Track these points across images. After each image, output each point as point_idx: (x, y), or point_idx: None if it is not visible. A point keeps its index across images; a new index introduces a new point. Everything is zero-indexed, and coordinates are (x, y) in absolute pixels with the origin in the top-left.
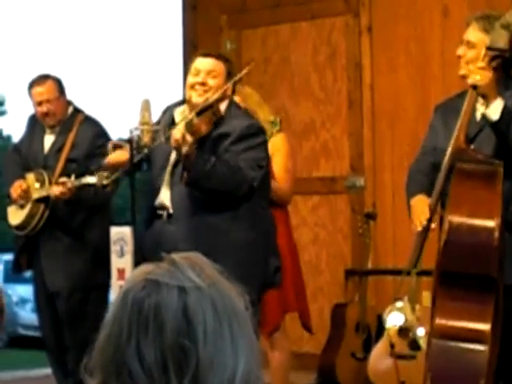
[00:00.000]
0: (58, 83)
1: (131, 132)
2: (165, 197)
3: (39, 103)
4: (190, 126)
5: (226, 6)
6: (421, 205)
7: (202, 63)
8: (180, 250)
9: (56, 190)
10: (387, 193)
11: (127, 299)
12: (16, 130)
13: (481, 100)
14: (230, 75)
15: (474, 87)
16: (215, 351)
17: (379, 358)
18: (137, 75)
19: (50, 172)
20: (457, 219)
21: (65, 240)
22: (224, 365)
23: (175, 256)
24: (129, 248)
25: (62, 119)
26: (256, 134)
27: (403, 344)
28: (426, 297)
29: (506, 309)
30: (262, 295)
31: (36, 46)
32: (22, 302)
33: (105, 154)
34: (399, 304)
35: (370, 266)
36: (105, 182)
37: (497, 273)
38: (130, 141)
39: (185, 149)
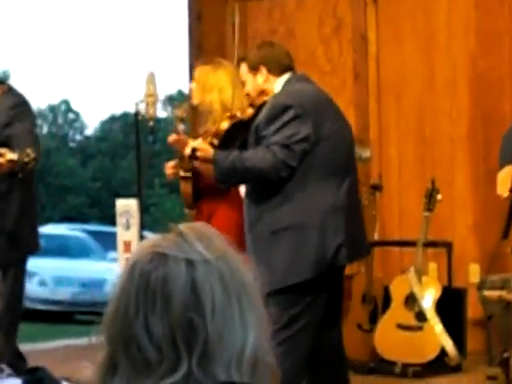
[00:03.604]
0: None
1: (137, 104)
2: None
3: None
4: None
5: None
6: (504, 175)
7: (241, 72)
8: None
9: None
10: (393, 164)
11: (134, 272)
12: None
13: None
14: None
15: None
16: (224, 325)
17: (386, 329)
18: (141, 48)
19: None
20: None
21: None
22: (233, 339)
23: (182, 227)
24: (135, 221)
25: None
26: (281, 112)
27: (409, 315)
28: (433, 268)
29: None
30: (324, 275)
31: (42, 20)
32: (29, 275)
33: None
34: (406, 275)
35: (376, 237)
36: (26, 159)
37: None
38: (136, 113)
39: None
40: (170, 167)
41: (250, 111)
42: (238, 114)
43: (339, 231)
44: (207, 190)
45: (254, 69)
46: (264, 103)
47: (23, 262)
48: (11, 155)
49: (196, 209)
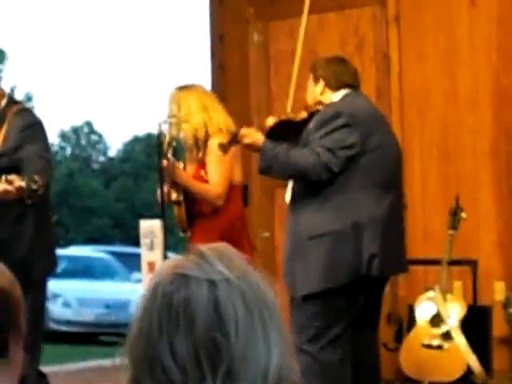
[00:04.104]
0: None
1: (160, 125)
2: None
3: None
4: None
5: None
6: None
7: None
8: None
9: (1, 187)
10: (417, 182)
11: (157, 293)
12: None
13: None
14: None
15: None
16: (247, 344)
17: (411, 348)
18: (164, 68)
19: None
20: None
21: None
22: (257, 357)
23: (203, 248)
24: (158, 241)
25: None
26: (332, 118)
27: (435, 334)
28: (458, 286)
29: None
30: (358, 285)
31: (66, 43)
32: (54, 296)
33: (32, 144)
34: (431, 294)
35: None
36: (34, 187)
37: None
38: (158, 134)
39: (247, 140)
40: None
41: (303, 114)
42: (290, 115)
43: (374, 242)
44: (200, 214)
45: (315, 79)
46: (317, 111)
47: (42, 284)
48: (20, 183)
49: (191, 232)
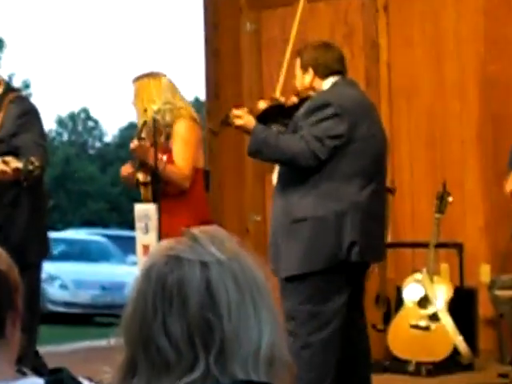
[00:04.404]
0: None
1: (155, 112)
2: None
3: None
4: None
5: None
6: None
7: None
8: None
9: None
10: (405, 168)
11: (151, 275)
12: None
13: None
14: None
15: None
16: (239, 324)
17: (399, 329)
18: (159, 56)
19: None
20: None
21: None
22: (249, 336)
23: (195, 230)
24: (153, 224)
25: None
26: (322, 107)
27: (422, 315)
28: (444, 269)
29: None
30: (339, 270)
31: (63, 31)
32: (51, 278)
33: (28, 131)
34: (418, 276)
35: (389, 239)
36: (30, 167)
37: None
38: (154, 120)
39: (238, 122)
40: (125, 169)
41: (294, 99)
42: (281, 99)
43: (355, 230)
44: (165, 194)
45: (303, 67)
46: (308, 97)
47: (36, 267)
48: (16, 164)
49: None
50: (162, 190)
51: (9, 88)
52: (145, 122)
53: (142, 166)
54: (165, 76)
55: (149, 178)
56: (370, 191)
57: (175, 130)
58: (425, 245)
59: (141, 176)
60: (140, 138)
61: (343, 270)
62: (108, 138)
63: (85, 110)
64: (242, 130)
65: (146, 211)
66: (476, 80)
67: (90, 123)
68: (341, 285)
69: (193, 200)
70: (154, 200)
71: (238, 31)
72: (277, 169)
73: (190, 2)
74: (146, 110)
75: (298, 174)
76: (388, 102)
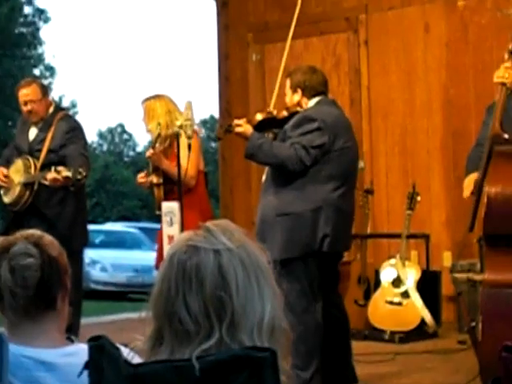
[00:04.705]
0: (42, 86)
1: (178, 127)
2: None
3: (24, 103)
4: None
5: (251, 26)
6: (468, 181)
7: (286, 85)
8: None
9: (50, 176)
10: (382, 173)
11: (173, 261)
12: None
13: None
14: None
15: (503, 84)
16: (246, 300)
17: (377, 304)
18: (180, 82)
19: (35, 159)
20: (494, 191)
21: (45, 216)
22: (254, 310)
23: (209, 224)
24: (176, 219)
25: (43, 117)
26: (308, 122)
27: (396, 293)
28: (414, 255)
29: None
30: (314, 257)
31: (102, 60)
32: (93, 263)
33: (74, 144)
34: (393, 261)
35: (369, 231)
36: (78, 176)
37: None
38: (177, 133)
39: (239, 129)
40: (141, 177)
41: (284, 113)
42: (274, 112)
43: (327, 224)
44: (174, 192)
45: (292, 88)
46: (296, 112)
47: (79, 253)
48: (67, 173)
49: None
50: (172, 189)
51: (58, 108)
52: (159, 135)
53: (156, 170)
54: (167, 97)
55: (161, 180)
56: (342, 192)
57: (182, 142)
58: (398, 235)
59: (155, 178)
60: (154, 147)
61: (317, 258)
62: (140, 148)
63: (121, 125)
64: (241, 136)
65: (170, 208)
66: (440, 101)
67: (125, 136)
68: (314, 270)
69: (197, 197)
70: (166, 198)
71: (246, 61)
72: (265, 170)
73: (207, 38)
74: (159, 124)
75: (284, 176)
76: (368, 119)
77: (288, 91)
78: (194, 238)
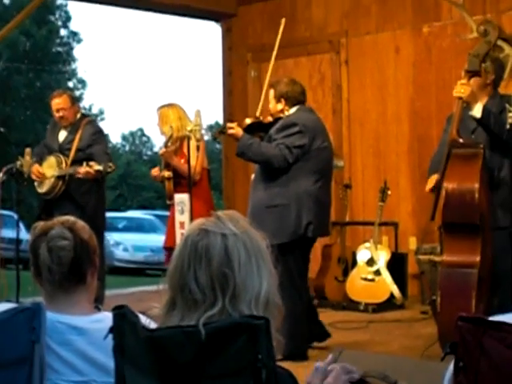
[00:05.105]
0: (71, 96)
1: (189, 131)
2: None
3: (57, 110)
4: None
5: (251, 47)
6: (430, 180)
7: (270, 94)
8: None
9: (83, 170)
10: (359, 171)
11: (187, 242)
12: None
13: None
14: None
15: (460, 98)
16: (246, 277)
17: (354, 280)
18: (190, 94)
19: (65, 156)
20: (451, 186)
21: (74, 203)
22: (252, 286)
23: (220, 212)
24: (187, 207)
25: (72, 122)
26: (290, 126)
27: (369, 271)
28: (385, 240)
29: (495, 244)
30: (298, 243)
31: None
32: (117, 244)
33: (99, 144)
34: (367, 244)
35: (347, 219)
36: (108, 170)
37: (479, 221)
38: (188, 138)
39: (231, 131)
40: (154, 171)
41: (269, 119)
42: (261, 118)
43: (310, 213)
44: (182, 185)
45: (276, 98)
46: (280, 118)
47: (102, 235)
48: (98, 167)
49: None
50: (180, 182)
51: (84, 114)
52: (171, 136)
53: (167, 166)
54: (178, 105)
55: (171, 175)
56: (320, 185)
57: (191, 144)
58: (371, 223)
59: (166, 173)
60: (166, 146)
61: (300, 243)
62: (156, 149)
63: (141, 129)
64: (233, 137)
65: (182, 199)
66: (407, 112)
67: (144, 138)
68: (298, 255)
69: (202, 189)
70: (175, 190)
71: (246, 77)
72: (255, 169)
73: (213, 58)
74: (172, 127)
75: (271, 173)
76: (347, 126)
77: (272, 100)
78: (206, 223)
